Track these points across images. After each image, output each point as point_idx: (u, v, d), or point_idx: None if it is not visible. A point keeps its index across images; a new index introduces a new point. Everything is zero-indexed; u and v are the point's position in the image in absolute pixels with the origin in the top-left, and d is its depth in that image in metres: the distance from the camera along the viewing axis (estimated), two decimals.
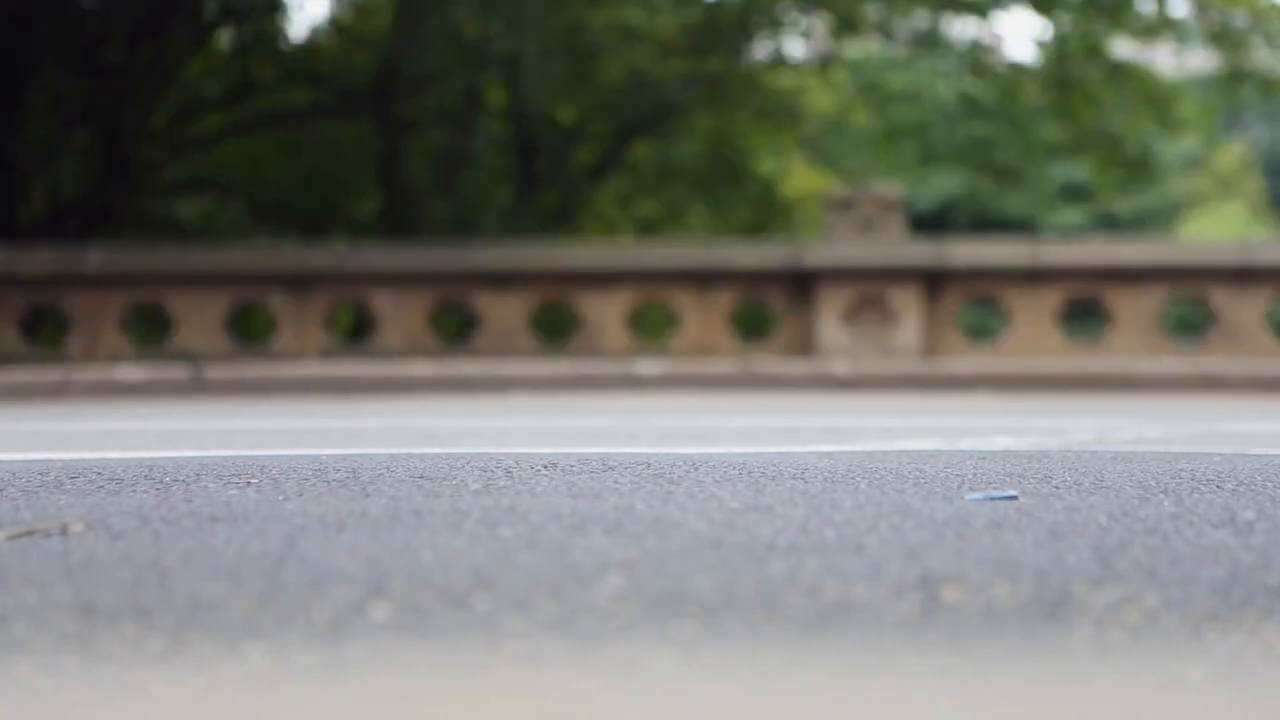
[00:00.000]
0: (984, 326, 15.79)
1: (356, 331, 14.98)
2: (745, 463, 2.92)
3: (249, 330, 14.53)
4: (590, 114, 20.47)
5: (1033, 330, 13.11)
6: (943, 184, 30.65)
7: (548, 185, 20.93)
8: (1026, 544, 2.00)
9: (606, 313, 13.33)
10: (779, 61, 21.02)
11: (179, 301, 13.34)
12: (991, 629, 1.65)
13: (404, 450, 3.75)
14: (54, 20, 15.59)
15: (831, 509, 2.28)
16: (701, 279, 13.33)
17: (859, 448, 3.98)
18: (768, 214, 23.50)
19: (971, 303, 13.65)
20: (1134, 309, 13.04)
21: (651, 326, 14.27)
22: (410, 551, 1.94)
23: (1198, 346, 13.04)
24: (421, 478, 2.67)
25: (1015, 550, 1.95)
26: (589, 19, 18.04)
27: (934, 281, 13.13)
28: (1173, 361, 12.35)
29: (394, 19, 18.84)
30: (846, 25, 19.30)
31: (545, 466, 2.83)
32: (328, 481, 2.63)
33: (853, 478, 2.67)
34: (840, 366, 12.13)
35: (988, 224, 30.10)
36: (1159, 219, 37.08)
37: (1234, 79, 19.38)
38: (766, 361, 12.53)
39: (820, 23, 20.63)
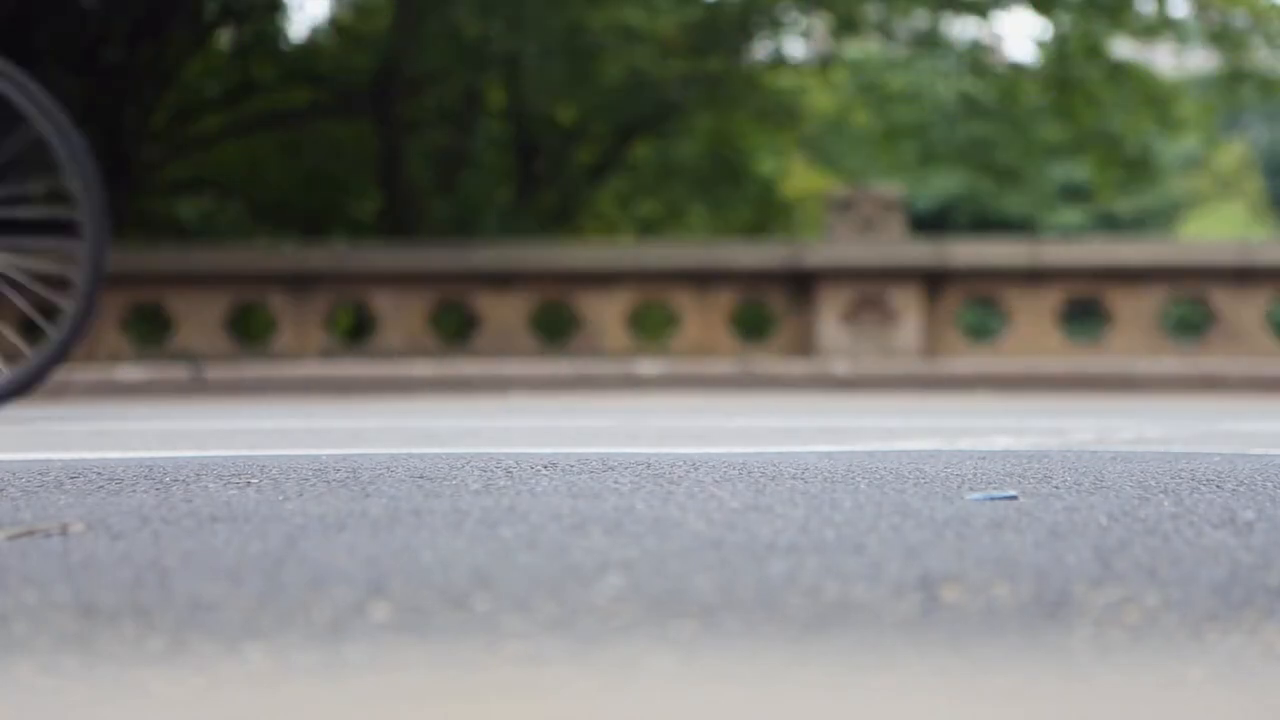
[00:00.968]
0: (984, 326, 15.80)
1: (356, 331, 14.98)
2: (745, 463, 2.92)
3: (249, 330, 14.53)
4: (590, 114, 20.47)
5: (1033, 330, 13.11)
6: (943, 184, 30.66)
7: (548, 185, 20.93)
8: (1026, 544, 2.00)
9: (606, 313, 13.33)
10: (779, 61, 21.02)
11: (179, 301, 13.35)
12: (991, 629, 1.66)
13: (404, 450, 3.75)
14: (54, 20, 15.59)
15: (831, 509, 2.29)
16: (701, 279, 13.34)
17: (859, 448, 3.99)
18: (768, 214, 23.51)
19: (971, 303, 13.65)
20: (1134, 309, 13.04)
21: (651, 326, 14.28)
22: (410, 551, 1.95)
23: (1198, 346, 13.05)
24: (421, 478, 2.67)
25: (1015, 550, 1.95)
26: (589, 19, 18.04)
27: (934, 281, 13.13)
28: (1173, 361, 12.35)
29: (394, 19, 18.84)
30: (846, 25, 19.30)
31: (545, 466, 2.83)
32: (328, 481, 2.63)
33: (853, 478, 2.67)
34: (840, 366, 12.13)
35: (988, 224, 30.11)
36: (1159, 219, 37.09)
37: (1234, 79, 19.38)
38: (766, 361, 12.53)
39: (820, 23, 20.64)
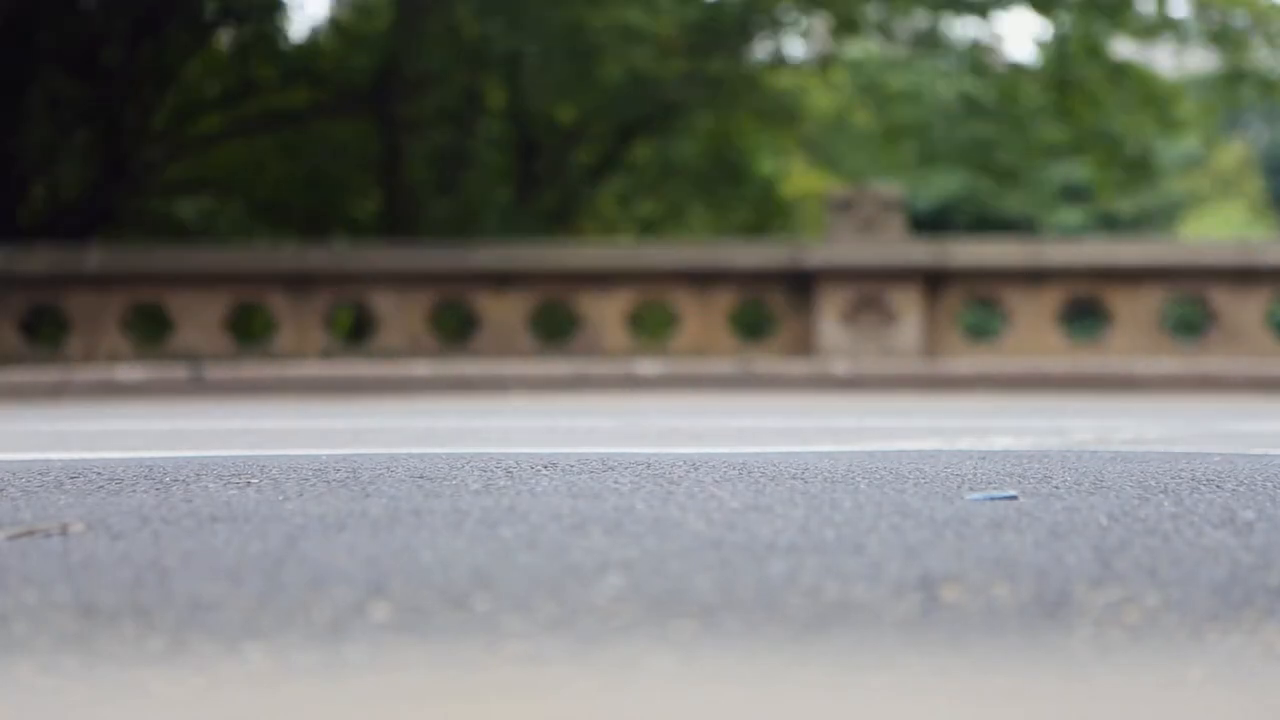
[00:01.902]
0: (984, 326, 15.79)
1: (356, 331, 14.98)
2: (745, 463, 2.92)
3: (249, 330, 14.53)
4: (590, 114, 20.47)
5: (1033, 330, 13.11)
6: (943, 184, 30.64)
7: (548, 185, 20.93)
8: (1026, 544, 2.00)
9: (606, 313, 13.33)
10: (779, 61, 21.02)
11: (179, 301, 13.35)
12: (991, 629, 1.65)
13: (404, 450, 3.74)
14: (54, 21, 15.59)
15: (831, 509, 2.28)
16: (701, 279, 13.34)
17: (859, 448, 3.98)
18: (768, 214, 23.50)
19: (971, 303, 13.65)
20: (1134, 309, 13.04)
21: (651, 326, 14.28)
22: (410, 551, 1.94)
23: (1197, 346, 13.05)
24: (421, 478, 2.67)
25: (1015, 550, 1.95)
26: (589, 19, 18.04)
27: (934, 281, 13.13)
28: (1172, 361, 12.35)
29: (394, 19, 18.85)
30: (846, 25, 19.31)
31: (545, 466, 2.83)
32: (328, 481, 2.63)
33: (853, 478, 2.67)
34: (840, 366, 12.13)
35: (988, 224, 30.09)
36: (1159, 219, 37.09)
37: (1234, 79, 19.38)
38: (766, 361, 12.53)
39: (820, 23, 20.63)
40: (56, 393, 10.70)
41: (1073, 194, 33.40)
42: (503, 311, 13.34)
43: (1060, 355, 12.96)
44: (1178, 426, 6.03)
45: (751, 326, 13.97)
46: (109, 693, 1.46)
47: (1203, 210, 39.14)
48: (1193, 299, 13.42)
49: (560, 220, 20.66)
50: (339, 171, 20.42)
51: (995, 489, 2.55)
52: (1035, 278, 13.13)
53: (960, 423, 6.38)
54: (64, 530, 2.18)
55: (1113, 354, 12.90)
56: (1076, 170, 28.08)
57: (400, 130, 18.91)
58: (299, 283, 13.33)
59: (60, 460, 3.27)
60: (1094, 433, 5.47)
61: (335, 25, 21.30)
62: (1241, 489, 2.55)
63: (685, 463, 2.90)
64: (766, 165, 23.81)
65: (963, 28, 20.62)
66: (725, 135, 21.86)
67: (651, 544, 1.98)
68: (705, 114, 20.83)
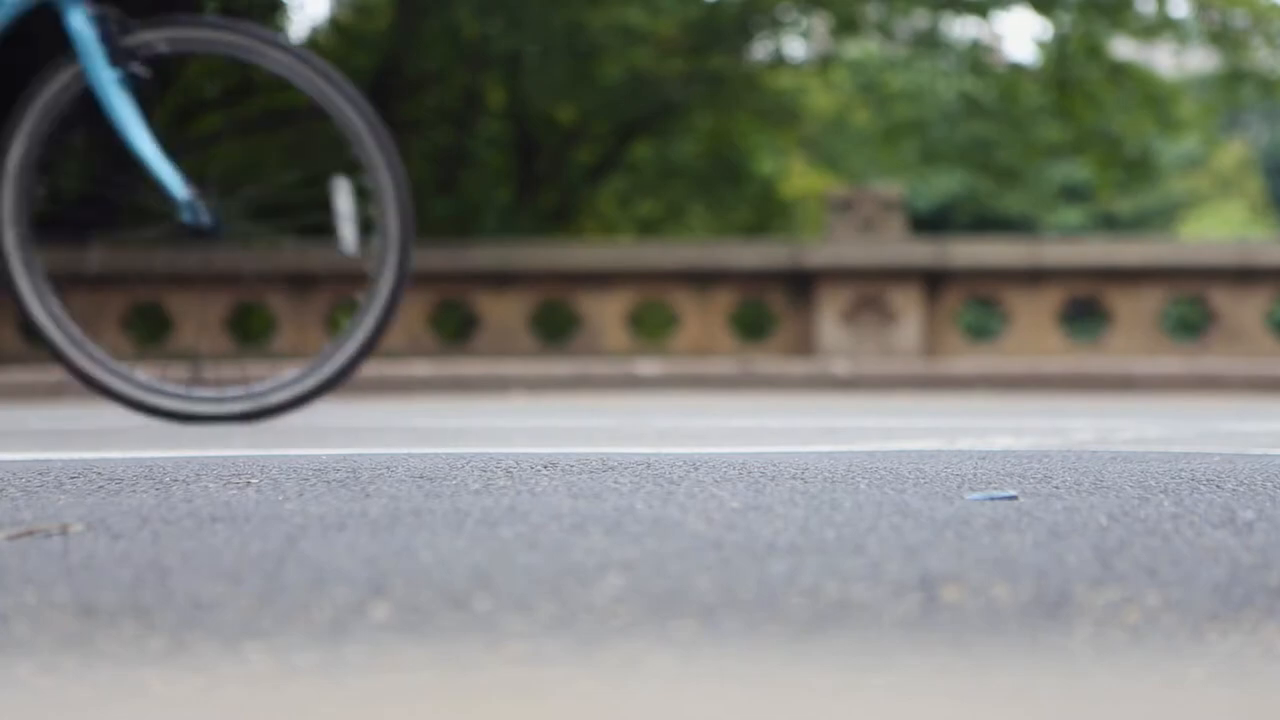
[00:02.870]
0: (984, 326, 15.80)
1: None
2: (745, 463, 2.92)
3: (249, 330, 14.53)
4: (590, 114, 20.47)
5: (1033, 330, 13.11)
6: (943, 184, 30.65)
7: (548, 185, 20.93)
8: (1026, 544, 2.00)
9: (606, 313, 13.33)
10: (779, 61, 21.03)
11: (179, 301, 13.35)
12: (991, 629, 1.66)
13: (404, 450, 3.75)
14: (54, 21, 15.56)
15: (831, 509, 2.29)
16: (701, 279, 13.34)
17: (859, 448, 3.99)
18: (768, 214, 23.50)
19: (971, 303, 13.66)
20: (1134, 309, 13.04)
21: (651, 326, 14.28)
22: (410, 551, 1.95)
23: (1197, 346, 13.05)
24: (421, 478, 2.67)
25: (1015, 550, 1.95)
26: (589, 19, 18.05)
27: (934, 281, 13.13)
28: (1172, 361, 12.35)
29: (394, 19, 18.85)
30: (846, 25, 19.31)
31: (545, 466, 2.83)
32: (328, 481, 2.63)
33: (853, 478, 2.67)
34: (840, 366, 12.13)
35: (988, 224, 30.09)
36: (1159, 219, 37.09)
37: (1234, 79, 19.39)
38: (766, 361, 12.53)
39: (820, 23, 20.64)
40: (57, 393, 10.70)
41: (1073, 194, 33.41)
42: (502, 311, 13.34)
43: (1060, 355, 12.96)
44: (1178, 426, 6.03)
45: (751, 326, 13.97)
46: (109, 693, 1.46)
47: (1203, 210, 39.13)
48: (1193, 299, 13.42)
49: (560, 220, 20.66)
50: (339, 171, 20.41)
51: (995, 489, 2.55)
52: (1035, 278, 13.13)
53: (960, 423, 6.38)
54: (64, 530, 2.18)
55: (1113, 354, 12.90)
56: (1076, 170, 28.08)
57: (400, 130, 18.90)
58: (299, 283, 13.33)
59: (60, 460, 3.27)
60: (1094, 433, 5.48)
61: (335, 25, 21.30)
62: (1241, 489, 2.55)
63: (685, 463, 2.90)
64: (766, 165, 23.81)
65: (963, 28, 20.63)
66: (725, 135, 21.87)
67: (651, 544, 1.98)
68: (705, 114, 20.84)
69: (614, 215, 23.22)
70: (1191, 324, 17.00)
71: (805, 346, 13.05)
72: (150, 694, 1.45)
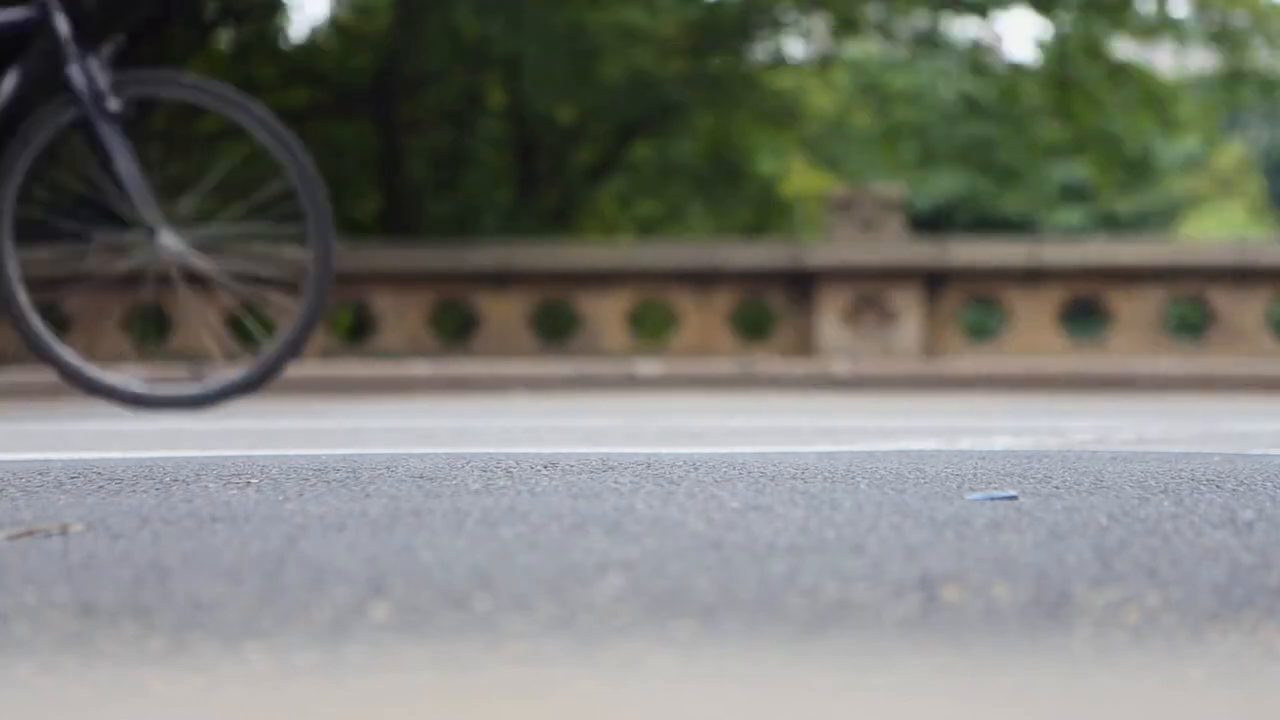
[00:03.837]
0: (984, 326, 15.80)
1: (356, 331, 14.98)
2: (745, 463, 2.92)
3: (249, 330, 14.52)
4: (590, 114, 20.46)
5: (1033, 330, 13.11)
6: (943, 184, 30.63)
7: (548, 185, 20.92)
8: (1026, 544, 2.00)
9: (606, 313, 13.33)
10: (779, 61, 21.03)
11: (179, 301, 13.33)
12: (991, 629, 1.66)
13: (404, 450, 3.75)
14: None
15: (831, 509, 2.29)
16: (701, 279, 13.33)
17: (859, 448, 3.99)
18: (768, 214, 23.50)
19: (971, 303, 13.65)
20: (1134, 309, 13.04)
21: (651, 326, 14.28)
22: (410, 551, 1.95)
23: (1197, 346, 13.05)
24: (421, 478, 2.67)
25: (1015, 550, 1.95)
26: (589, 19, 18.04)
27: (934, 281, 13.13)
28: (1173, 361, 12.35)
29: (394, 19, 18.85)
30: (846, 25, 19.31)
31: (545, 466, 2.83)
32: (328, 481, 2.63)
33: (853, 478, 2.67)
34: (840, 366, 12.13)
35: (988, 224, 30.08)
36: (1159, 219, 37.08)
37: (1234, 79, 19.38)
38: (766, 361, 12.53)
39: (820, 23, 20.63)
40: (56, 393, 10.71)
41: (1073, 194, 33.40)
42: (503, 311, 13.34)
43: (1060, 355, 12.96)
44: (1178, 426, 6.03)
45: (751, 326, 13.97)
46: (109, 693, 1.47)
47: (1203, 210, 39.13)
48: (1192, 299, 13.42)
49: (560, 220, 20.65)
50: (339, 171, 20.42)
51: (995, 489, 2.55)
52: (1035, 278, 13.13)
53: (960, 423, 6.38)
54: (64, 530, 2.18)
55: (1113, 354, 12.90)
56: (1076, 170, 28.07)
57: (400, 130, 18.91)
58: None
59: (60, 460, 3.27)
60: (1094, 433, 5.48)
61: (335, 25, 21.30)
62: (1241, 489, 2.55)
63: (685, 463, 2.90)
64: (766, 165, 23.81)
65: (963, 28, 20.62)
66: (725, 135, 21.86)
67: (651, 544, 1.98)
68: (705, 114, 20.83)
69: (614, 215, 23.21)
70: (1191, 324, 17.00)
71: (805, 346, 13.05)
72: (150, 694, 1.45)
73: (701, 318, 13.25)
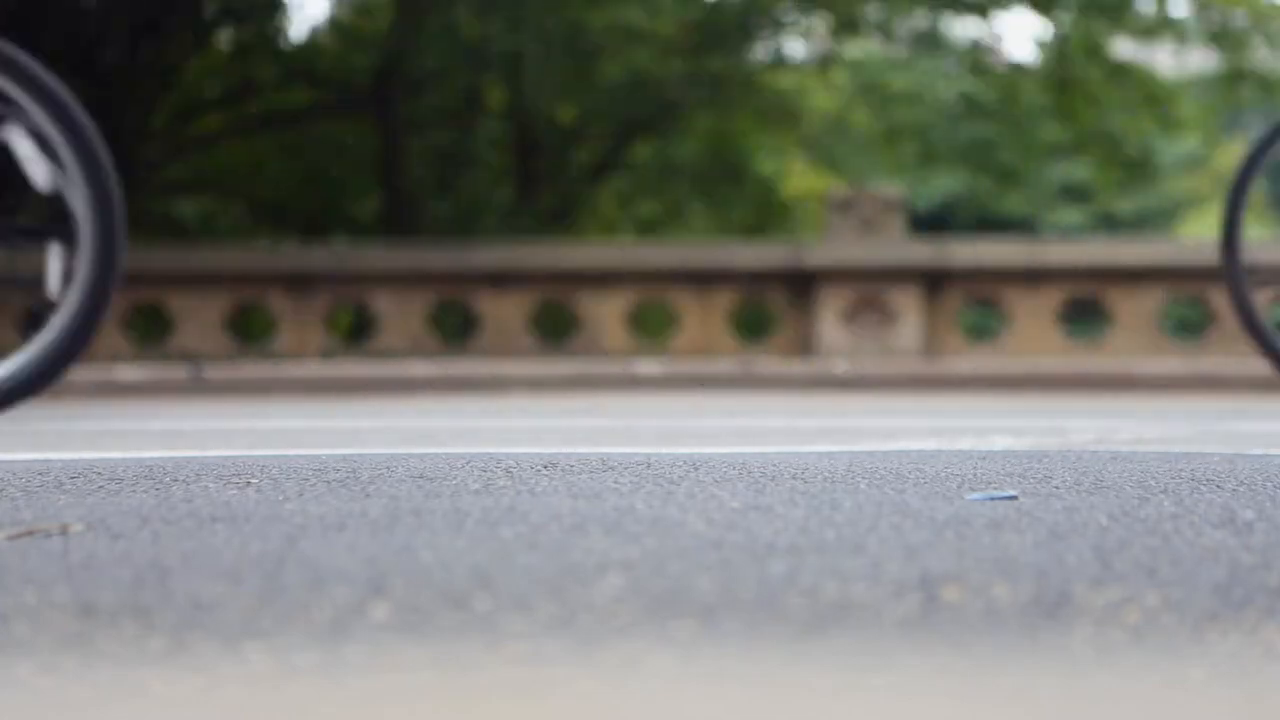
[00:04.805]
0: (984, 326, 15.80)
1: (356, 331, 14.98)
2: (745, 463, 2.92)
3: (249, 330, 14.53)
4: (590, 114, 20.47)
5: (1033, 330, 13.11)
6: (943, 184, 30.63)
7: (548, 185, 20.92)
8: (1026, 544, 2.00)
9: (606, 313, 13.33)
10: (779, 61, 21.03)
11: (179, 301, 13.34)
12: (991, 629, 1.65)
13: (404, 450, 3.75)
14: (54, 20, 15.59)
15: (831, 509, 2.28)
16: (701, 279, 13.34)
17: (859, 448, 3.99)
18: (768, 214, 23.50)
19: (971, 303, 13.65)
20: (1134, 309, 13.04)
21: (651, 326, 14.28)
22: (410, 551, 1.95)
23: (1198, 346, 13.05)
24: (421, 478, 2.67)
25: (1015, 550, 1.95)
26: (589, 19, 18.05)
27: (934, 281, 13.13)
28: (1172, 361, 12.35)
29: (394, 19, 18.85)
30: (846, 25, 19.32)
31: (545, 466, 2.83)
32: (328, 481, 2.63)
33: (853, 478, 2.67)
34: (840, 366, 12.13)
35: (988, 224, 30.07)
36: (1159, 219, 37.07)
37: (1234, 79, 19.38)
38: (766, 361, 12.53)
39: (820, 23, 20.63)
40: (57, 393, 10.71)
41: (1073, 194, 33.39)
42: (503, 311, 13.34)
43: (1060, 355, 12.96)
44: (1178, 426, 6.03)
45: (751, 326, 13.97)
46: (109, 693, 1.46)
47: (1203, 210, 39.09)
48: (1193, 299, 13.42)
49: (560, 220, 20.65)
50: (339, 171, 20.43)
51: (995, 489, 2.55)
52: (1035, 278, 13.13)
53: (960, 423, 6.38)
54: (64, 530, 2.18)
55: (1112, 354, 12.90)
56: (1076, 170, 28.07)
57: (400, 130, 18.91)
58: (299, 283, 13.33)
59: (60, 460, 3.27)
60: (1094, 433, 5.48)
61: (335, 25, 21.30)
62: (1241, 489, 2.55)
63: (685, 463, 2.90)
64: (766, 165, 23.81)
65: (963, 28, 20.63)
66: (725, 135, 21.86)
67: (651, 544, 1.98)
68: (705, 114, 20.83)
69: (614, 215, 23.21)
70: (1191, 324, 16.99)
71: (805, 346, 13.05)
72: (150, 694, 1.45)
73: (701, 318, 13.25)
